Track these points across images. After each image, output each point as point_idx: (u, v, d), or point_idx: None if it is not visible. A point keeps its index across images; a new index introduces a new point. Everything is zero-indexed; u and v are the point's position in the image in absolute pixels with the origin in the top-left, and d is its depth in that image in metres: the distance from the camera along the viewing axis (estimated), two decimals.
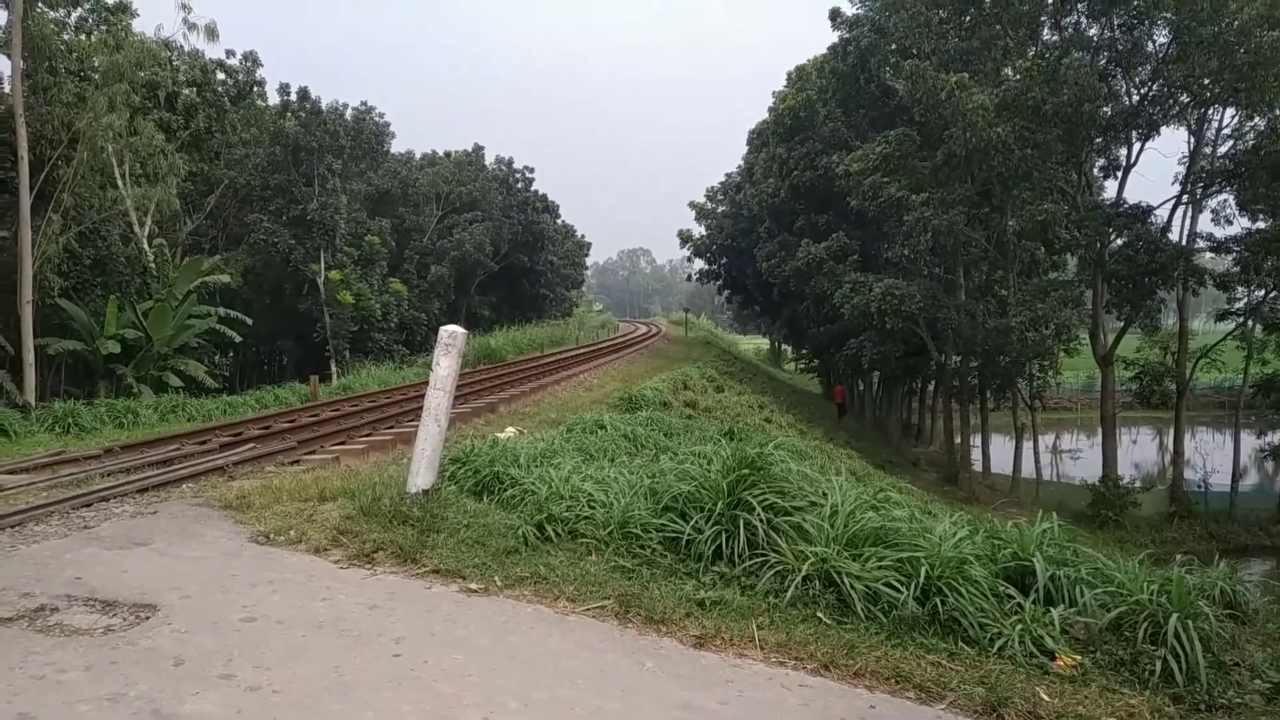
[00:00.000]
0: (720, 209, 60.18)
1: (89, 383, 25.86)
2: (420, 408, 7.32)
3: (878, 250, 34.40)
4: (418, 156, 62.95)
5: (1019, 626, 4.96)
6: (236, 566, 6.06)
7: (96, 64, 26.21)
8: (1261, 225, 28.51)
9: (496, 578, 5.87)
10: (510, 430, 12.82)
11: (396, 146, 58.52)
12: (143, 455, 11.17)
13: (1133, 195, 31.27)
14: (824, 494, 6.56)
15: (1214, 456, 37.85)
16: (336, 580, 5.83)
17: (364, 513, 7.00)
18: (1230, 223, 30.21)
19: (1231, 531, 28.04)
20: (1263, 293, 30.31)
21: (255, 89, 40.01)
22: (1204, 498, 30.91)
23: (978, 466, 35.32)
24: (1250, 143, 27.60)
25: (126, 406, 18.49)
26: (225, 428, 14.41)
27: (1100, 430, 31.41)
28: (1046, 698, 4.33)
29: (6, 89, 24.04)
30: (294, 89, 41.18)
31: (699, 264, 63.60)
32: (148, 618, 4.97)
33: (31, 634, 4.70)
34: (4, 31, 23.53)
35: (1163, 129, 28.85)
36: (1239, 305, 32.34)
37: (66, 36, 27.12)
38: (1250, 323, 31.64)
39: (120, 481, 8.99)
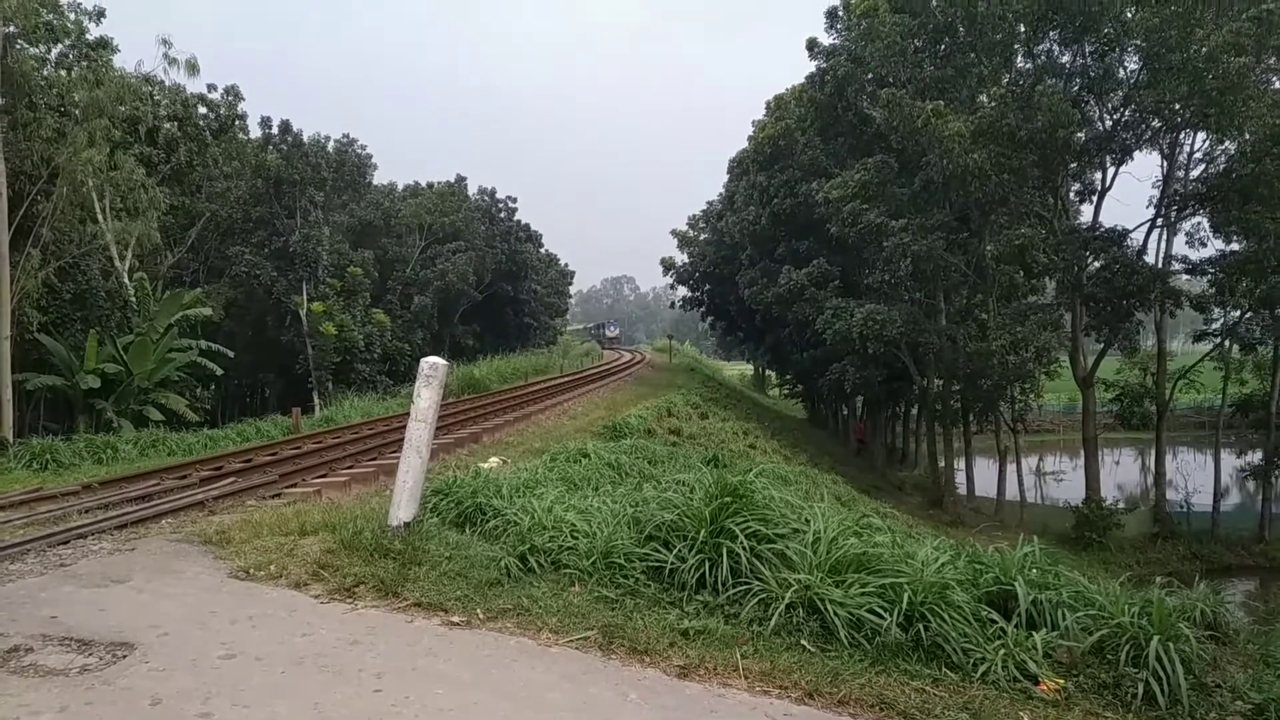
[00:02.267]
0: (702, 236, 60.55)
1: (68, 418, 25.63)
2: (403, 439, 7.29)
3: (858, 276, 34.65)
4: (400, 188, 63.22)
5: (1002, 651, 4.96)
6: (216, 603, 5.99)
7: (77, 99, 26.21)
8: (1235, 247, 28.96)
9: (479, 610, 5.83)
10: (493, 460, 12.77)
11: (379, 178, 58.87)
12: (122, 491, 11.05)
13: (1108, 219, 31.87)
14: (807, 520, 6.56)
15: (1195, 477, 38.12)
16: (317, 615, 5.77)
17: (345, 546, 6.94)
18: (1204, 245, 30.73)
19: (1214, 551, 28.21)
20: (1238, 314, 30.71)
21: (236, 122, 40.06)
22: (1187, 518, 31.07)
23: (962, 490, 35.43)
24: (1221, 166, 28.10)
25: (106, 442, 18.33)
26: (206, 462, 14.29)
27: (1082, 452, 31.59)
28: None
29: None
30: (276, 122, 41.32)
31: (682, 291, 63.87)
32: (125, 656, 4.90)
33: (4, 675, 4.62)
34: None
35: (1136, 153, 29.36)
36: (1216, 326, 32.73)
37: (46, 72, 27.13)
38: (1227, 343, 32.03)
39: (98, 518, 8.88)
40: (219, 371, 30.39)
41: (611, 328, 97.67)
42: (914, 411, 47.42)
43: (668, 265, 61.87)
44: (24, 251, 23.57)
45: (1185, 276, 32.92)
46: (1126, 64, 28.15)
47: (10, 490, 11.66)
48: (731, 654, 5.06)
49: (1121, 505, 31.82)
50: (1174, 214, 29.68)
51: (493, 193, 66.07)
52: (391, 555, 6.67)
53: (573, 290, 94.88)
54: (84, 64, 28.15)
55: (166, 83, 33.91)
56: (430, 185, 63.77)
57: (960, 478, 35.97)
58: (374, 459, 14.63)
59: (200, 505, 9.73)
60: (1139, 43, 26.46)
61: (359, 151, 52.94)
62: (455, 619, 5.72)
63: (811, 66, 36.14)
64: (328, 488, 11.50)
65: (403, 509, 7.04)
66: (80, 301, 26.50)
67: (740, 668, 4.89)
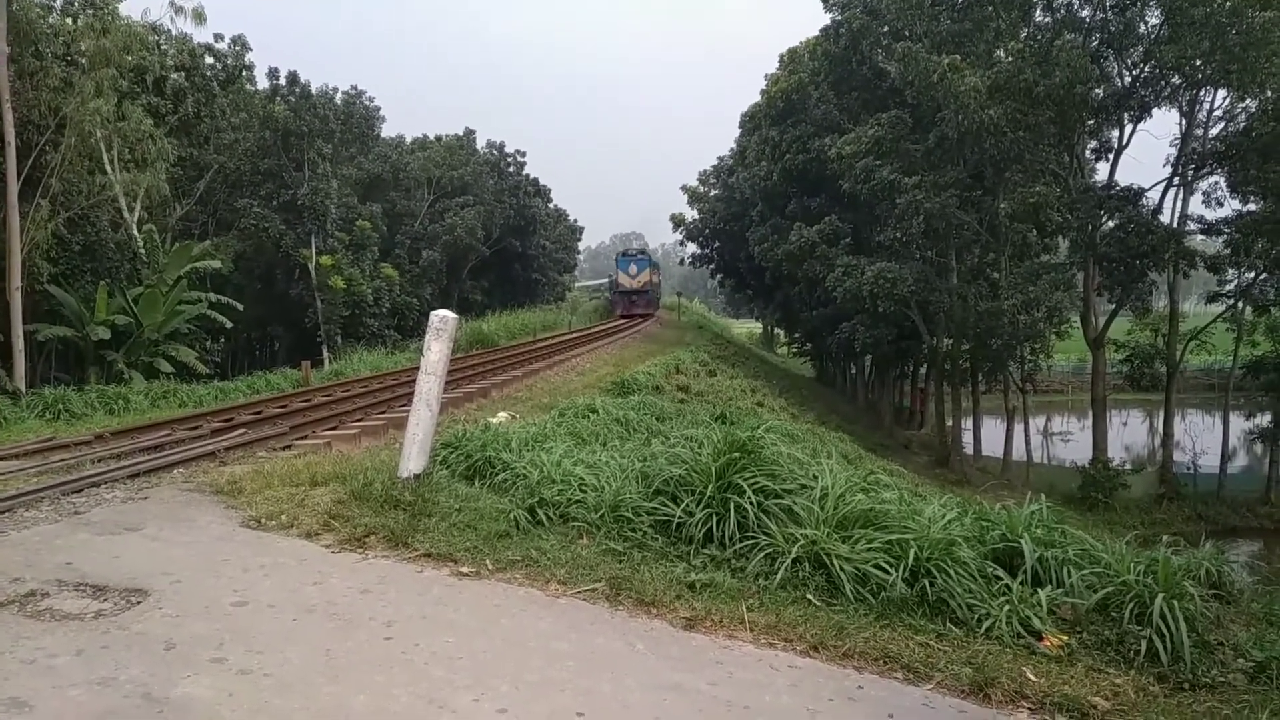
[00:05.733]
0: (713, 192, 60.07)
1: (79, 369, 25.77)
2: (412, 393, 7.31)
3: (870, 233, 34.40)
4: (408, 141, 62.55)
5: (1006, 607, 4.99)
6: (228, 551, 6.06)
7: (83, 48, 25.94)
8: (1252, 207, 28.56)
9: (488, 561, 5.89)
10: (502, 415, 12.83)
11: (387, 131, 58.15)
12: (134, 441, 11.13)
13: (1124, 177, 31.29)
14: (814, 477, 6.58)
15: (1203, 438, 38.04)
16: (328, 564, 5.84)
17: (355, 497, 7.00)
18: (1221, 205, 30.29)
19: (1220, 513, 28.22)
20: (1253, 275, 30.41)
21: (244, 73, 39.68)
22: (1193, 480, 31.07)
23: (969, 449, 35.47)
24: (1241, 124, 27.67)
25: (117, 392, 18.42)
26: (217, 413, 14.37)
27: (1091, 413, 31.55)
28: (1033, 677, 4.37)
29: None
30: (283, 73, 40.91)
31: (691, 248, 63.55)
32: (139, 602, 4.98)
33: (22, 619, 4.70)
34: None
35: (1154, 111, 28.92)
36: (1229, 287, 32.45)
37: (52, 20, 26.83)
38: (1240, 305, 31.76)
39: (111, 467, 8.96)
40: (228, 324, 30.45)
41: (635, 265, 53.70)
42: (923, 371, 47.33)
43: (678, 221, 61.50)
44: (33, 202, 23.51)
45: (1200, 237, 32.59)
46: (1148, 18, 27.57)
47: (24, 439, 11.77)
48: (738, 607, 5.11)
49: (1128, 466, 31.82)
50: (1191, 173, 29.28)
51: (501, 146, 65.47)
52: (402, 506, 6.73)
53: (581, 246, 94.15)
54: (90, 12, 27.80)
55: (173, 32, 33.49)
56: (439, 138, 63.11)
57: (967, 437, 35.99)
58: (383, 412, 14.68)
59: (211, 456, 9.80)
60: None
61: (367, 103, 52.24)
62: (465, 569, 5.78)
63: (826, 19, 35.59)
64: (338, 440, 11.55)
65: (413, 461, 7.08)
66: (90, 253, 26.48)
67: (746, 620, 4.94)
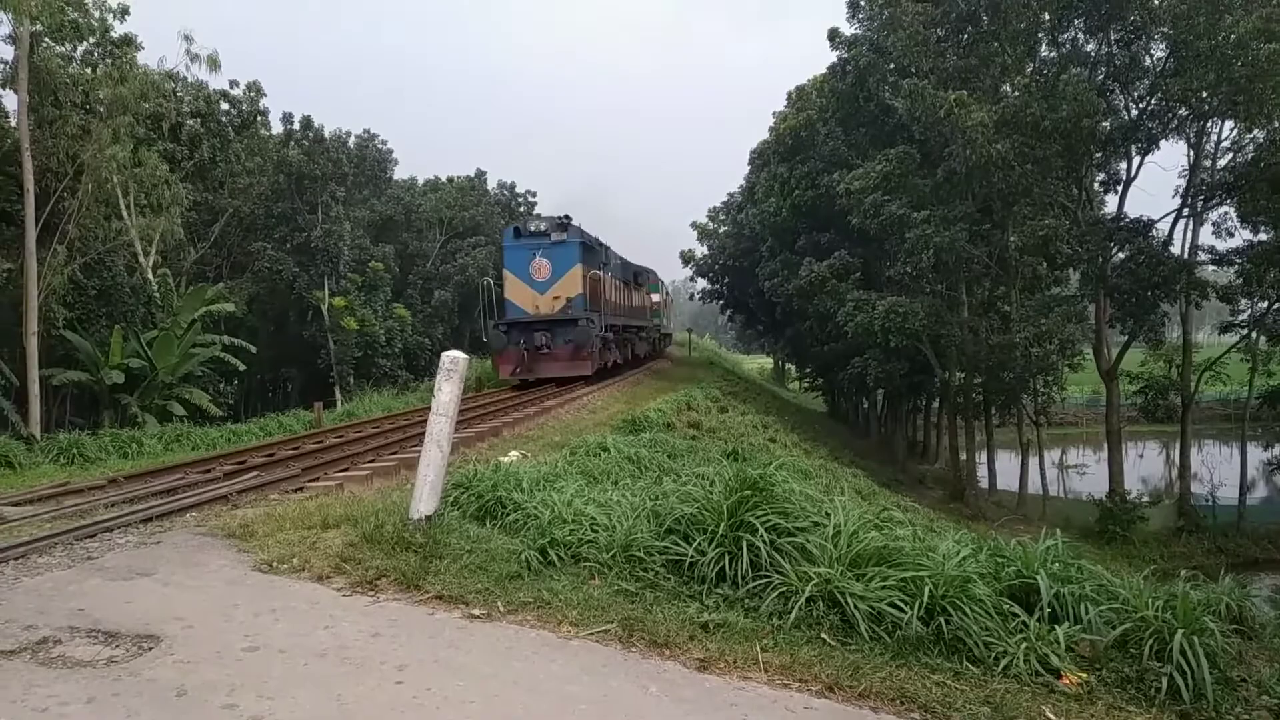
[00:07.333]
0: (722, 229, 60.37)
1: (94, 413, 25.97)
2: (423, 433, 7.31)
3: (880, 268, 34.44)
4: (420, 182, 63.34)
5: (1024, 645, 4.92)
6: (239, 595, 6.04)
7: (101, 96, 26.48)
8: (1263, 237, 28.56)
9: (499, 603, 5.85)
10: (514, 454, 12.79)
11: (399, 173, 58.96)
12: (147, 485, 11.15)
13: (1133, 209, 31.42)
14: (827, 514, 6.53)
15: (1221, 470, 37.65)
16: (339, 608, 5.81)
17: (367, 540, 6.97)
18: (1231, 235, 30.33)
19: (1240, 545, 27.86)
20: (1266, 304, 30.29)
21: (258, 118, 40.39)
22: (1212, 511, 30.69)
23: (984, 483, 35.17)
24: (1250, 155, 27.70)
25: (131, 436, 18.47)
26: (229, 456, 14.38)
27: (1106, 445, 31.28)
28: (1052, 716, 4.31)
29: (13, 123, 24.28)
30: (297, 118, 41.59)
31: (702, 284, 63.79)
32: (150, 648, 4.96)
33: (34, 666, 4.69)
34: (10, 66, 23.79)
35: (1162, 143, 29.01)
36: (1242, 317, 32.31)
37: (72, 69, 27.40)
38: (1254, 335, 31.60)
39: (124, 512, 8.97)
40: (242, 366, 30.68)
41: (544, 256, 26.99)
42: (935, 405, 47.12)
43: (687, 258, 61.78)
44: (50, 248, 23.86)
45: (1212, 267, 32.51)
46: (1153, 52, 27.80)
47: (38, 484, 11.80)
48: (751, 647, 5.05)
49: (1145, 499, 31.50)
50: (1200, 204, 29.31)
51: (512, 187, 66.22)
52: (413, 548, 6.68)
53: None
54: (108, 61, 28.36)
55: (189, 79, 34.27)
56: (450, 180, 63.86)
57: (982, 471, 35.71)
58: (395, 453, 14.64)
59: (224, 499, 9.79)
60: (1166, 30, 26.11)
61: (379, 146, 53.18)
62: (476, 612, 5.74)
63: (833, 57, 36.05)
64: (349, 481, 11.52)
65: (424, 502, 7.06)
66: (105, 297, 26.78)
67: (760, 661, 4.89)
